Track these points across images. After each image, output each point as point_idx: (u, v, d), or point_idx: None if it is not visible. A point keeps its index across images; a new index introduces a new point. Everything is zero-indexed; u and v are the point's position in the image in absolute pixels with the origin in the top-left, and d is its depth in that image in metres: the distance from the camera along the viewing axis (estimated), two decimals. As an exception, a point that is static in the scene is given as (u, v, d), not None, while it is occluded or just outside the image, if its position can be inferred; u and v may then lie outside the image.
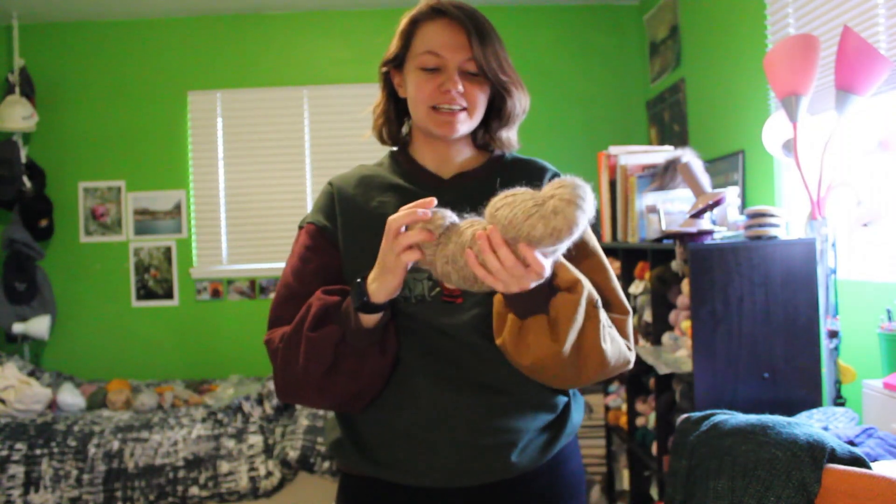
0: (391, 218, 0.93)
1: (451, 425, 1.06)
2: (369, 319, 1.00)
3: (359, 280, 0.99)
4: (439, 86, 1.09)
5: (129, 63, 3.97)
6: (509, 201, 0.85)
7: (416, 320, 1.07)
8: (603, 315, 1.00)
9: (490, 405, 1.06)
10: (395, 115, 1.21)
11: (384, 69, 1.18)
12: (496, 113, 1.17)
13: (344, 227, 1.13)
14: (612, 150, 2.60)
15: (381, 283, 0.95)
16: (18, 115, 3.63)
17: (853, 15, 2.02)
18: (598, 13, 4.04)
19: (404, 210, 0.92)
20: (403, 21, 1.15)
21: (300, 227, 1.18)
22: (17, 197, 3.71)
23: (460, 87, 1.09)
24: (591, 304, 0.98)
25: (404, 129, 1.23)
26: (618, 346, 1.02)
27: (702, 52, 3.18)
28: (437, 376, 1.07)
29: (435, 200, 0.93)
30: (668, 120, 3.61)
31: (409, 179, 1.17)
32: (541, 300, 0.94)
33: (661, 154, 2.46)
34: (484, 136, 1.20)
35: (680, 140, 3.41)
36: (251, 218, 4.00)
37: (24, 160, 3.71)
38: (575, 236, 0.84)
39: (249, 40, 3.99)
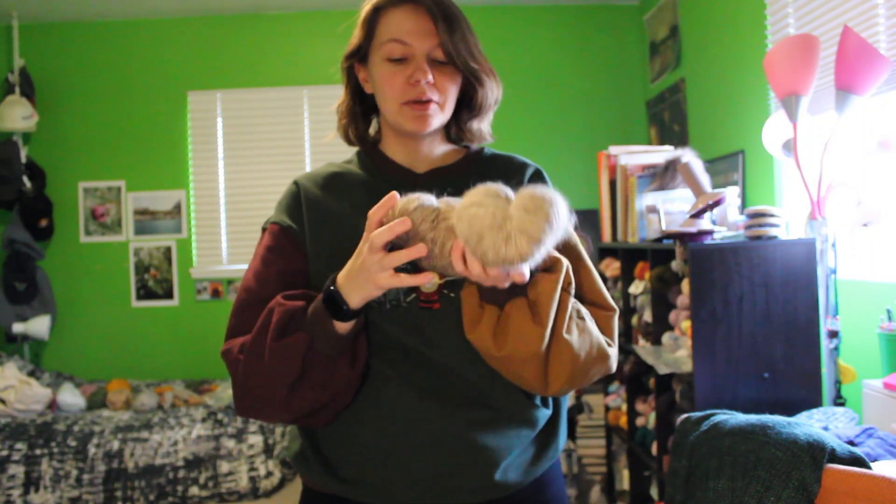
0: (370, 212, 0.88)
1: (427, 439, 0.98)
2: (344, 326, 0.92)
3: (332, 287, 0.91)
4: (408, 77, 1.02)
5: (129, 63, 3.97)
6: (471, 214, 0.82)
7: (390, 326, 0.99)
8: (573, 304, 0.95)
9: (470, 419, 0.98)
10: (360, 112, 1.15)
11: (346, 64, 1.11)
12: (467, 103, 1.11)
13: (311, 228, 1.05)
14: (612, 150, 2.60)
15: (361, 294, 0.90)
16: (18, 115, 3.63)
17: (853, 15, 2.02)
18: (598, 13, 4.04)
19: (373, 209, 0.88)
20: (365, 9, 1.07)
21: (263, 229, 1.10)
22: (17, 197, 3.71)
23: (430, 78, 1.02)
24: (565, 288, 0.93)
25: (372, 129, 1.17)
26: (589, 340, 0.95)
27: (702, 52, 3.18)
28: (412, 386, 0.98)
29: (397, 195, 0.87)
30: (668, 120, 3.61)
31: (381, 176, 1.11)
32: (520, 285, 0.90)
33: (661, 154, 2.45)
34: (456, 130, 1.14)
35: (680, 140, 3.42)
36: (251, 218, 4.00)
37: (24, 160, 3.71)
38: (537, 259, 0.83)
39: (249, 40, 4.00)
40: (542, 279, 0.91)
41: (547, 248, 0.83)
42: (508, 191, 0.85)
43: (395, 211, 0.87)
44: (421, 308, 0.99)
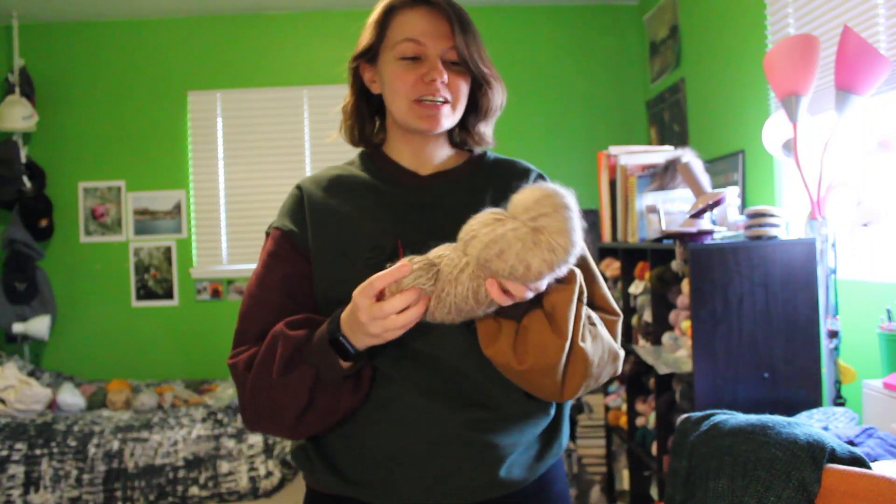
0: (374, 277, 0.86)
1: (430, 439, 0.99)
2: (349, 363, 0.94)
3: (338, 333, 0.92)
4: (422, 76, 1.03)
5: (129, 63, 3.97)
6: (498, 251, 0.82)
7: None
8: (586, 311, 0.96)
9: (474, 418, 0.99)
10: (367, 113, 1.15)
11: (354, 64, 1.12)
12: (473, 106, 1.12)
13: (314, 231, 1.06)
14: (612, 150, 2.60)
15: (363, 342, 0.91)
16: (18, 115, 3.63)
17: (853, 15, 2.02)
18: (598, 13, 4.04)
19: (382, 275, 0.86)
20: (377, 10, 1.08)
21: (267, 234, 1.11)
22: (17, 197, 3.71)
23: (445, 77, 1.03)
24: (578, 298, 0.94)
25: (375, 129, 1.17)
26: (601, 346, 0.97)
27: (702, 52, 3.18)
28: (415, 386, 0.99)
29: (411, 266, 0.85)
30: (668, 120, 3.61)
31: (385, 178, 1.11)
32: (536, 297, 0.91)
33: (661, 154, 2.45)
34: (460, 132, 1.15)
35: (680, 140, 3.42)
36: (251, 218, 4.00)
37: (24, 160, 3.71)
38: (580, 244, 0.86)
39: (249, 40, 4.00)
40: (558, 290, 0.92)
41: (581, 232, 0.86)
42: (498, 209, 0.88)
43: (400, 283, 0.86)
44: None
